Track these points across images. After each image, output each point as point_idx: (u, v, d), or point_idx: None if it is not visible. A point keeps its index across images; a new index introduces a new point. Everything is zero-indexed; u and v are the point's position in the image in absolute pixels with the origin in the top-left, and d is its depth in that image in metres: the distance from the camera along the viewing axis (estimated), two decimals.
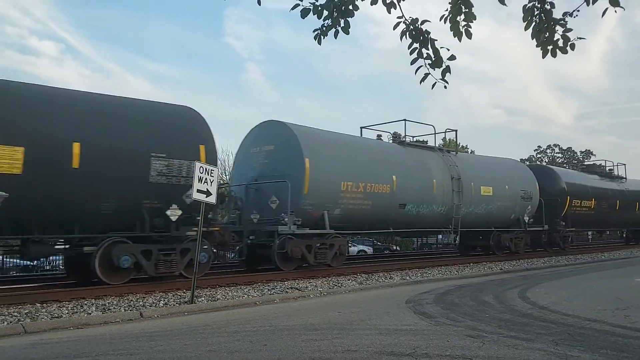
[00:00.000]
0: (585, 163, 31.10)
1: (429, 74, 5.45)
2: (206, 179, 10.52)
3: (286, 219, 14.43)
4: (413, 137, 20.65)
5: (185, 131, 12.91)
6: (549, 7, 5.30)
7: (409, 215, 18.25)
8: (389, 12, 5.35)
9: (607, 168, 31.83)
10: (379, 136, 19.46)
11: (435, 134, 20.91)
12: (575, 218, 25.99)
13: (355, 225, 16.83)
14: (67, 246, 12.08)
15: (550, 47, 5.33)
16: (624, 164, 32.72)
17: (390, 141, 19.47)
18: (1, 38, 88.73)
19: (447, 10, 5.36)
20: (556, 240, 25.01)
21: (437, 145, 20.98)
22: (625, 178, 32.41)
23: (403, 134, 19.77)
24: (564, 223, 24.99)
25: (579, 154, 67.33)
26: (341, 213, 16.05)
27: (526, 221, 22.65)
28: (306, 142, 15.43)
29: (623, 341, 6.35)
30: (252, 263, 15.75)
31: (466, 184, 19.99)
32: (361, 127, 20.16)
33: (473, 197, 20.38)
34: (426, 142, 20.69)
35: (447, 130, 22.23)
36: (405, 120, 19.64)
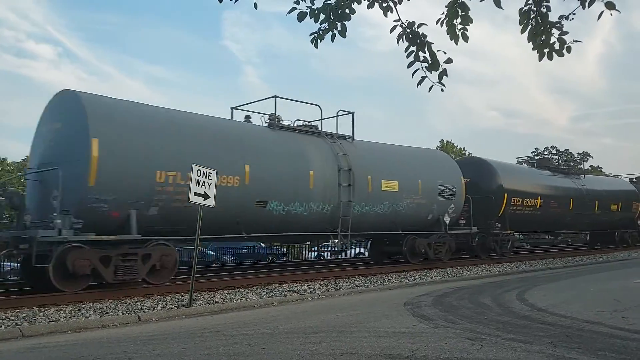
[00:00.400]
0: (537, 157, 28.48)
1: (426, 77, 5.46)
2: (204, 181, 10.52)
3: (57, 221, 10.65)
4: (306, 121, 16.79)
5: None
6: (545, 10, 5.32)
7: (273, 216, 14.30)
8: (386, 16, 5.37)
9: (570, 162, 29.63)
10: (247, 117, 15.78)
11: (322, 119, 16.91)
12: (516, 219, 22.77)
13: (190, 228, 11.78)
14: None
15: (546, 50, 5.35)
16: (588, 157, 31.90)
17: (266, 125, 15.68)
18: None
19: (443, 13, 5.38)
20: (490, 244, 21.75)
21: (323, 130, 16.88)
22: (584, 175, 29.75)
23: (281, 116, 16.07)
24: (499, 225, 21.67)
25: (576, 156, 67.52)
26: (161, 213, 12.21)
27: (447, 222, 19.12)
28: (99, 117, 11.63)
29: (621, 343, 6.36)
30: (38, 281, 11.50)
31: (360, 177, 16.22)
32: (231, 108, 16.20)
33: (371, 193, 16.67)
34: (315, 126, 16.84)
35: (341, 114, 17.38)
36: (275, 97, 15.73)
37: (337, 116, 17.41)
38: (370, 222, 16.98)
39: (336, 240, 16.59)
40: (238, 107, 16.08)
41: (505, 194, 22.00)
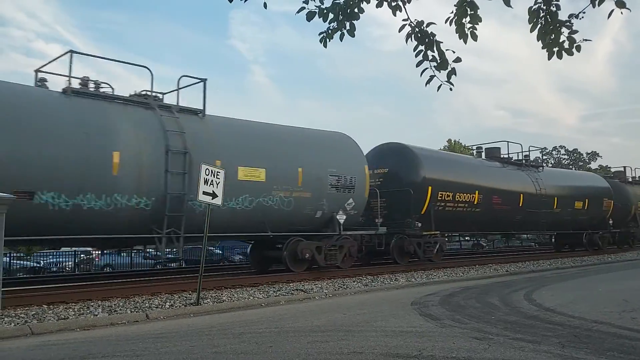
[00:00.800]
0: (485, 147, 23.62)
1: (435, 76, 5.46)
2: (212, 180, 10.55)
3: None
4: (147, 91, 12.95)
5: None
6: (554, 9, 5.31)
7: (49, 213, 10.62)
8: (395, 15, 5.37)
9: (524, 153, 24.95)
10: (41, 80, 12.13)
11: (177, 89, 13.40)
12: (444, 217, 18.87)
13: None
14: None
15: (556, 49, 5.34)
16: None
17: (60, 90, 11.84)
18: (7, 41, 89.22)
19: (452, 12, 5.37)
20: (408, 247, 17.94)
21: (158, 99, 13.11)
22: (542, 167, 25.83)
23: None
24: (419, 224, 17.92)
25: (585, 155, 67.12)
26: None
27: (341, 221, 15.43)
28: None
29: (630, 343, 6.32)
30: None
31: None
32: (35, 71, 12.24)
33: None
34: (147, 96, 12.93)
35: (187, 81, 13.59)
36: (71, 52, 11.96)
37: (179, 88, 13.36)
38: (224, 221, 12.88)
39: (164, 246, 12.27)
40: (40, 70, 12.21)
41: (430, 187, 18.20)
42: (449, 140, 53.77)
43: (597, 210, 27.27)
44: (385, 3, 5.38)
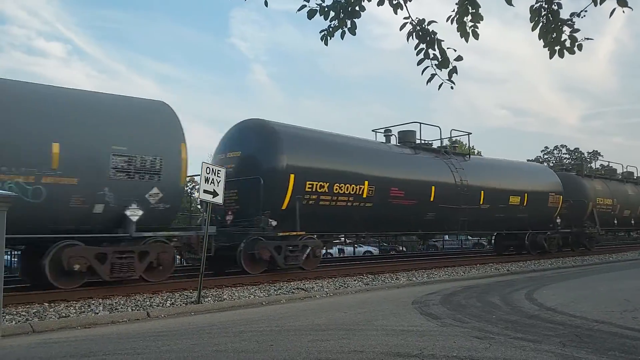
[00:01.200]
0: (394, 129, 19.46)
1: (436, 74, 5.46)
2: (213, 179, 10.56)
3: None
4: None
5: None
6: (556, 7, 5.30)
7: None
8: (396, 13, 5.37)
9: (452, 139, 21.83)
10: None
11: None
12: (318, 214, 14.93)
13: None
14: None
15: (557, 48, 5.33)
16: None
17: None
18: (8, 39, 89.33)
19: (453, 11, 5.37)
20: (262, 253, 13.60)
21: None
22: (469, 155, 21.67)
23: None
24: (274, 222, 13.79)
25: (586, 155, 67.01)
26: None
27: (133, 219, 11.33)
28: None
29: (631, 343, 6.31)
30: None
31: None
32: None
33: None
34: None
35: None
36: None
37: None
38: None
39: None
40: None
41: (293, 176, 14.15)
42: (450, 139, 53.62)
43: (541, 207, 23.25)
44: (386, 1, 5.37)
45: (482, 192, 20.23)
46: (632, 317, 8.11)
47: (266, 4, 5.23)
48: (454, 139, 21.95)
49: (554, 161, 63.84)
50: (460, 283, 14.26)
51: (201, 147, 65.09)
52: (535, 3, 5.34)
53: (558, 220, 24.29)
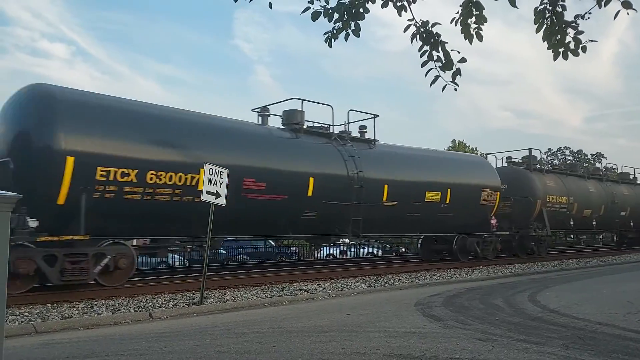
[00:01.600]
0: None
1: (440, 76, 5.45)
2: (215, 180, 10.56)
3: None
4: None
5: None
6: (560, 9, 5.29)
7: None
8: (400, 15, 5.37)
9: (360, 128, 17.53)
10: None
11: None
12: (122, 210, 11.35)
13: None
14: None
15: (561, 50, 5.32)
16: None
17: None
18: (13, 40, 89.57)
19: (457, 12, 5.37)
20: (22, 266, 9.87)
21: None
22: (375, 142, 17.44)
23: None
24: (34, 223, 10.10)
25: (589, 156, 66.84)
26: None
27: None
28: None
29: (635, 345, 6.30)
30: None
31: None
32: None
33: None
34: None
35: None
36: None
37: None
38: None
39: None
40: None
41: (72, 159, 10.53)
42: (453, 141, 53.71)
43: (471, 205, 19.38)
44: (390, 3, 5.37)
45: (386, 185, 16.50)
46: (636, 319, 8.09)
47: (270, 5, 5.23)
48: (360, 123, 17.83)
49: (556, 163, 63.72)
50: (463, 285, 14.24)
51: None
52: (540, 5, 5.33)
53: (493, 221, 20.42)
